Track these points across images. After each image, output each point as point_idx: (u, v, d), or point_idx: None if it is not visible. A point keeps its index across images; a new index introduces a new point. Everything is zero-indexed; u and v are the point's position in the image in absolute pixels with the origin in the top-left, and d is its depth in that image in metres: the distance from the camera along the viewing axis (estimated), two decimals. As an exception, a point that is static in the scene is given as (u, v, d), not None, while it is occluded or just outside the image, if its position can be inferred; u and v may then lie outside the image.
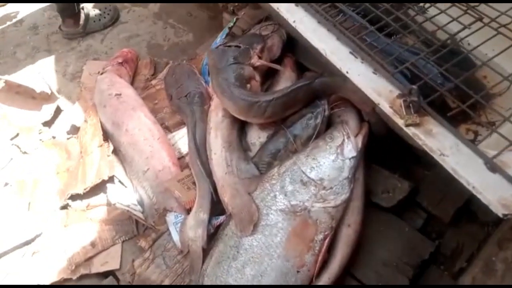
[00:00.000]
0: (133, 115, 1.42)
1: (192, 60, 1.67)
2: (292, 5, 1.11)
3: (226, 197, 1.13)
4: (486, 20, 1.00)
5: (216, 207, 1.17)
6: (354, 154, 1.06)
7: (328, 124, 1.18)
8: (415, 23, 1.02)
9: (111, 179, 1.34)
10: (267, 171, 1.13)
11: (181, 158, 1.38)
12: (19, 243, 1.25)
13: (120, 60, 1.65)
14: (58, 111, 1.60)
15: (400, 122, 0.85)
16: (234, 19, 1.58)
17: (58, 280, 1.18)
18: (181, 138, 1.43)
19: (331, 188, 1.03)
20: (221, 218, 1.16)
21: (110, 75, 1.58)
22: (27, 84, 1.59)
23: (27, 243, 1.26)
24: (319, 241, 1.02)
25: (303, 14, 1.09)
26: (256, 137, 1.26)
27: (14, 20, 2.09)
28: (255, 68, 1.27)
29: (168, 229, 1.21)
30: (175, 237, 1.18)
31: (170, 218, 1.21)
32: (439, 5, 1.06)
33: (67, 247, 1.23)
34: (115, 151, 1.41)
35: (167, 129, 1.48)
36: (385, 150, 1.21)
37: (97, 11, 1.97)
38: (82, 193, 1.31)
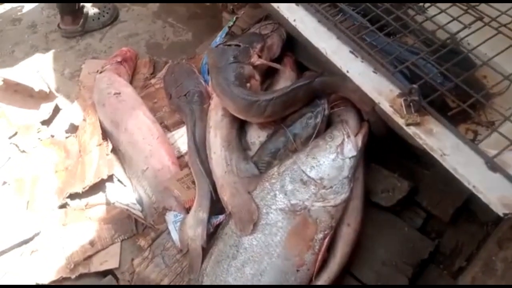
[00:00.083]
0: (132, 114, 1.41)
1: (192, 59, 1.67)
2: (292, 4, 1.11)
3: (225, 196, 1.13)
4: (486, 19, 1.00)
5: (216, 206, 1.17)
6: (354, 153, 1.06)
7: (328, 124, 1.17)
8: (415, 23, 1.03)
9: (110, 178, 1.34)
10: (266, 170, 1.13)
11: (180, 157, 1.38)
12: (18, 242, 1.25)
13: (119, 59, 1.65)
14: (56, 109, 1.60)
15: (400, 121, 0.85)
16: (234, 18, 1.58)
17: (57, 279, 1.18)
18: (181, 137, 1.43)
19: (331, 187, 1.03)
20: (221, 217, 1.16)
21: (109, 74, 1.58)
22: (25, 83, 1.59)
23: (26, 242, 1.26)
24: (318, 240, 1.02)
25: (303, 13, 1.09)
26: (256, 136, 1.25)
27: (12, 19, 2.08)
28: (255, 67, 1.27)
29: (167, 228, 1.21)
30: (175, 236, 1.18)
31: (170, 217, 1.21)
32: (439, 4, 1.06)
33: (66, 246, 1.23)
34: (114, 150, 1.41)
35: (166, 128, 1.47)
36: (385, 150, 1.21)
37: (96, 10, 1.97)
38: (81, 192, 1.31)
